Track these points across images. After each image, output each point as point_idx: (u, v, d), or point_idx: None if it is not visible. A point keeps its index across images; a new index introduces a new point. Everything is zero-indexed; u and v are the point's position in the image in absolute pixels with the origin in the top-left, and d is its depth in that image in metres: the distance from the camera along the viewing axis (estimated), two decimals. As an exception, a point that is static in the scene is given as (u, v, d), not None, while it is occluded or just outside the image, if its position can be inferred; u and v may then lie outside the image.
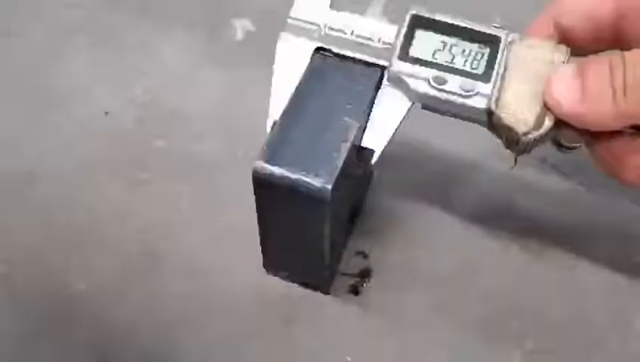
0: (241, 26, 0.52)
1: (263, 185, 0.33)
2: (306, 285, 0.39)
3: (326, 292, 0.38)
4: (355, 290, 0.39)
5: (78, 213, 0.41)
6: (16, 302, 0.38)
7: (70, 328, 0.37)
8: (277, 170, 0.32)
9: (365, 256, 0.40)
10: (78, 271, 0.39)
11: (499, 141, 0.35)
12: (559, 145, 0.35)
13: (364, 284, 0.39)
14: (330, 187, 0.32)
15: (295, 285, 0.39)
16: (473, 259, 0.40)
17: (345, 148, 0.33)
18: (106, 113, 0.46)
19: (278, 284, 0.39)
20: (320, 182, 0.32)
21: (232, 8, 0.52)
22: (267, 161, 0.32)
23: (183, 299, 0.38)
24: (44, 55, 0.49)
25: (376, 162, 0.35)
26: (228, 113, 0.46)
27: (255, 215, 0.35)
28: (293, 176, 0.32)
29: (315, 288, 0.39)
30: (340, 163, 0.32)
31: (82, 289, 0.38)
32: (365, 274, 0.39)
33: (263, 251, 0.38)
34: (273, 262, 0.38)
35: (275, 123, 0.34)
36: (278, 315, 0.38)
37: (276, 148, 0.33)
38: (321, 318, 0.38)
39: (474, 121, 0.35)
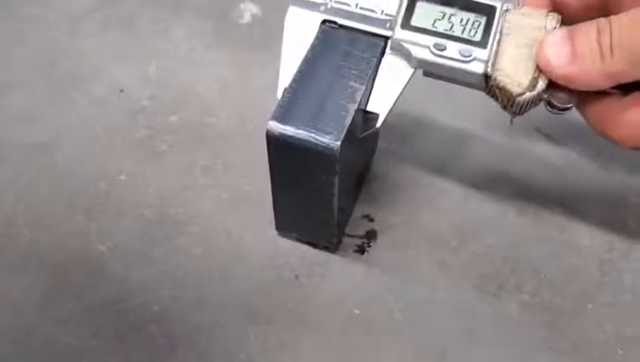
0: (249, 10, 0.54)
1: (276, 144, 0.35)
2: (314, 245, 0.41)
3: (334, 251, 0.41)
4: (361, 250, 0.41)
5: (97, 182, 0.44)
6: (40, 262, 0.40)
7: (90, 286, 0.39)
8: (289, 129, 0.34)
9: (371, 219, 0.42)
10: (98, 235, 0.41)
11: (496, 103, 0.37)
12: (552, 107, 0.37)
13: (370, 244, 0.41)
14: (339, 143, 0.34)
15: (305, 246, 0.41)
16: (473, 222, 0.42)
17: (352, 108, 0.35)
18: (121, 91, 0.49)
19: (288, 244, 0.41)
20: (329, 138, 0.34)
21: (239, -7, 0.55)
22: (279, 121, 0.35)
23: (199, 259, 0.40)
24: (58, 38, 0.52)
25: (379, 131, 0.37)
26: (237, 90, 0.49)
27: (265, 182, 0.38)
28: (305, 133, 0.34)
29: (324, 248, 0.41)
30: (347, 121, 0.35)
31: (102, 251, 0.41)
32: (371, 236, 0.42)
33: (275, 212, 0.40)
34: (284, 223, 0.40)
35: (285, 89, 0.36)
36: (289, 272, 0.40)
37: (288, 109, 0.35)
38: (329, 274, 0.40)
39: (472, 86, 0.37)
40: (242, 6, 0.54)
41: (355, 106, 0.35)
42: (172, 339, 0.37)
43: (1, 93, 0.48)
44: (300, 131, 0.34)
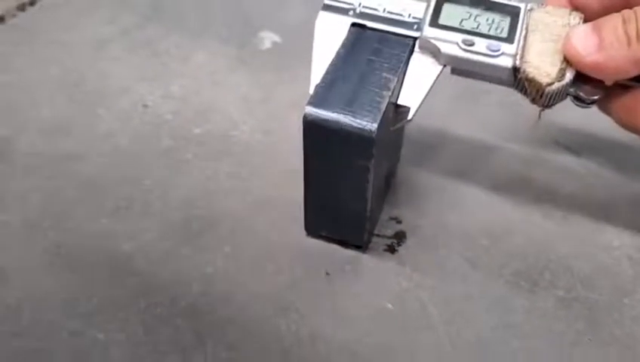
0: (269, 38, 0.56)
1: (312, 129, 0.35)
2: (344, 244, 0.40)
3: (364, 251, 0.40)
4: (391, 249, 0.41)
5: (123, 187, 0.43)
6: (65, 263, 0.39)
7: (116, 283, 0.38)
8: (326, 113, 0.35)
9: (399, 221, 0.42)
10: (123, 235, 0.41)
11: (524, 96, 0.38)
12: (579, 100, 0.38)
13: (400, 244, 0.41)
14: (376, 125, 0.34)
15: (334, 245, 0.40)
16: (500, 223, 0.42)
17: (387, 95, 0.36)
18: (145, 106, 0.49)
19: (318, 244, 0.40)
20: (367, 120, 0.34)
21: (260, 22, 0.57)
22: (316, 106, 0.35)
23: (227, 256, 0.40)
24: (84, 61, 0.53)
25: (402, 142, 0.36)
26: (259, 107, 0.50)
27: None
28: (342, 116, 0.35)
29: (354, 247, 0.40)
30: (383, 106, 0.35)
31: (127, 251, 0.40)
32: (400, 236, 0.41)
33: (306, 209, 0.39)
34: (315, 221, 0.40)
35: (317, 83, 0.37)
36: (320, 269, 0.39)
37: (323, 95, 0.36)
38: (360, 271, 0.39)
39: (501, 81, 0.38)
40: (262, 34, 0.56)
41: (390, 93, 0.36)
42: (201, 332, 0.36)
43: (27, 108, 0.49)
44: (336, 115, 0.35)
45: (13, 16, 0.56)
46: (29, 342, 0.35)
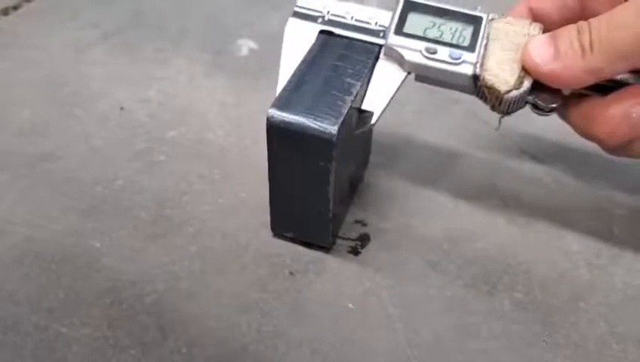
0: (246, 45, 0.57)
1: (276, 131, 0.36)
2: (309, 246, 0.41)
3: (328, 251, 0.41)
4: (355, 251, 0.41)
5: (95, 186, 0.44)
6: (35, 257, 0.40)
7: (83, 279, 0.39)
8: (288, 116, 0.36)
9: (364, 224, 0.43)
10: (93, 232, 0.41)
11: (484, 103, 0.39)
12: (537, 108, 0.39)
13: (364, 247, 0.42)
14: (336, 128, 0.35)
15: (299, 246, 0.41)
16: (463, 228, 0.43)
17: (349, 99, 0.37)
18: (121, 108, 0.50)
19: (283, 244, 0.41)
20: (327, 123, 0.35)
21: (238, 30, 0.58)
22: (279, 108, 0.36)
23: (194, 255, 0.40)
24: (63, 64, 0.54)
25: (371, 144, 0.37)
26: (234, 112, 0.51)
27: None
28: (303, 119, 0.36)
29: (318, 248, 0.41)
30: (344, 110, 0.36)
31: (97, 247, 0.41)
32: (364, 239, 0.42)
33: (272, 209, 0.40)
34: (280, 221, 0.41)
35: (284, 86, 0.38)
36: (283, 268, 0.40)
37: (287, 99, 0.37)
38: (324, 271, 0.40)
39: (462, 88, 0.39)
40: (240, 41, 0.57)
41: (352, 98, 0.37)
42: (163, 328, 0.37)
43: (6, 109, 0.50)
44: (298, 117, 0.36)
45: (-3, 19, 0.58)
46: (-6, 335, 0.36)
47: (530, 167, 0.47)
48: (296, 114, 0.36)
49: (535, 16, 0.41)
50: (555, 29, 0.39)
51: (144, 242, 0.41)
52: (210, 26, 0.59)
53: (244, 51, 0.56)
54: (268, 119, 0.36)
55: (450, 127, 0.50)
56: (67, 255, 0.40)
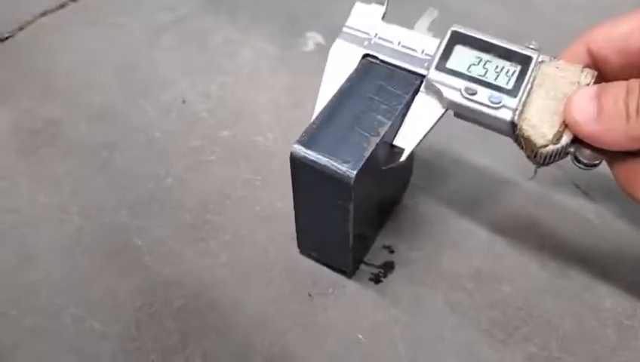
0: (313, 39, 0.57)
1: (299, 166, 0.37)
2: (332, 268, 0.42)
3: (349, 276, 0.42)
4: (376, 279, 0.42)
5: (147, 182, 0.47)
6: (86, 248, 0.44)
7: (123, 276, 0.42)
8: (311, 154, 0.36)
9: (391, 251, 0.43)
10: (138, 230, 0.45)
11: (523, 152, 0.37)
12: (578, 162, 0.37)
13: (387, 275, 0.42)
14: (355, 172, 0.35)
15: (323, 266, 0.42)
16: (493, 267, 0.42)
17: (374, 141, 0.37)
18: (183, 101, 0.52)
19: (308, 263, 0.43)
20: (346, 167, 0.36)
21: (307, 23, 0.58)
22: (303, 145, 0.37)
23: (224, 265, 0.43)
24: (139, 48, 0.56)
25: (412, 165, 0.37)
26: (287, 113, 0.52)
27: None
28: (324, 159, 0.36)
29: (340, 271, 0.42)
30: (367, 153, 0.36)
31: (139, 245, 0.44)
32: (388, 267, 0.43)
33: (297, 231, 0.42)
34: (305, 243, 0.42)
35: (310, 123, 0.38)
36: (304, 289, 0.41)
37: (314, 135, 0.37)
38: (341, 297, 0.41)
39: (500, 131, 0.38)
40: (308, 34, 0.57)
41: (378, 140, 0.37)
42: (185, 336, 0.40)
43: (83, 91, 0.53)
44: (320, 157, 0.36)
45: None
46: (39, 321, 0.40)
47: (579, 204, 0.45)
48: (319, 152, 0.36)
49: (593, 60, 0.38)
50: (614, 74, 0.36)
51: (182, 244, 0.44)
52: (282, 15, 0.59)
53: (311, 45, 0.56)
54: (292, 153, 0.37)
55: (500, 151, 0.48)
56: (113, 250, 0.44)
